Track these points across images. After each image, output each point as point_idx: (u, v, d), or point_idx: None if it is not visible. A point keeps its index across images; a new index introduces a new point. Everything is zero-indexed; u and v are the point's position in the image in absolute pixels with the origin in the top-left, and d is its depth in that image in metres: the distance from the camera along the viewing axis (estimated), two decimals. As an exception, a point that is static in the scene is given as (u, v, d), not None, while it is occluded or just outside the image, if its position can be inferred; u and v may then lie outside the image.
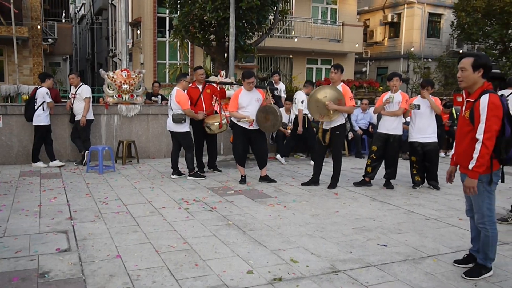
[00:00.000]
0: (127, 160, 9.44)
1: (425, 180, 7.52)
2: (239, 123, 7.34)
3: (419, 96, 7.40)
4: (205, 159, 8.58)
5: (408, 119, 7.70)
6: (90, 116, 9.02)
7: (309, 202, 6.34)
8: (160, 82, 13.38)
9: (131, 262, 4.02)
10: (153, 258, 4.13)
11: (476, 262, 3.90)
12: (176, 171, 7.98)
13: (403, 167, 8.35)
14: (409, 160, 7.55)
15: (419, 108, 7.15)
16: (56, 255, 4.18)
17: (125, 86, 9.49)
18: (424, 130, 7.21)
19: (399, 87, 7.34)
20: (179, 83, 7.80)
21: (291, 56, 23.34)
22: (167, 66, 19.90)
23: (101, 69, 10.24)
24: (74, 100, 8.95)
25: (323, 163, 7.53)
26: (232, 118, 7.56)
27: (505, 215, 5.57)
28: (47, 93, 8.59)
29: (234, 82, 10.03)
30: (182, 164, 8.22)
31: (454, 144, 3.93)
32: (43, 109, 8.55)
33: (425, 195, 6.93)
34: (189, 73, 12.54)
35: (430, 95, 7.27)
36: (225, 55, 13.21)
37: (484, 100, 3.51)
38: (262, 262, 4.06)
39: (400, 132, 7.36)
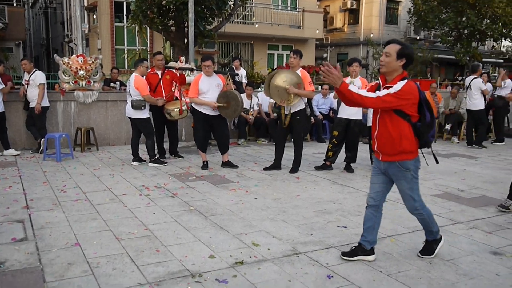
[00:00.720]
0: (85, 147, 9.23)
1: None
2: (199, 109, 7.29)
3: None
4: (166, 145, 8.49)
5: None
6: (45, 103, 8.75)
7: (271, 186, 6.39)
8: (119, 68, 13.10)
9: (90, 250, 3.95)
10: (113, 245, 4.07)
11: (426, 240, 3.98)
12: (136, 158, 7.86)
13: (363, 151, 8.51)
14: (369, 144, 7.70)
15: None
16: (11, 245, 4.06)
17: (81, 72, 9.23)
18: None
19: (358, 72, 7.46)
20: (137, 69, 7.66)
21: (252, 42, 23.30)
22: (125, 52, 19.48)
23: (55, 55, 9.92)
24: (27, 86, 8.64)
25: (284, 148, 7.59)
26: (193, 104, 7.49)
27: (505, 203, 5.40)
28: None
29: (194, 68, 9.92)
30: (143, 151, 8.11)
31: (375, 135, 3.74)
32: (-5, 96, 8.23)
33: (383, 178, 7.09)
34: (148, 59, 12.33)
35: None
36: (185, 40, 13.03)
37: (399, 85, 3.48)
38: (224, 247, 4.08)
39: (360, 117, 7.49)
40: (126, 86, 8.70)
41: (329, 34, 29.23)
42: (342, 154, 7.71)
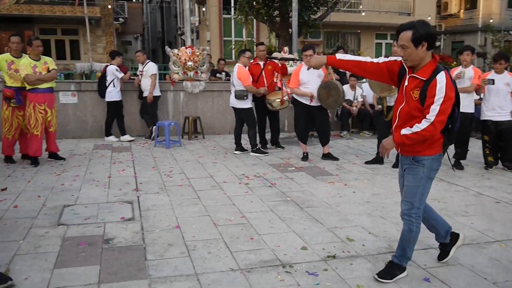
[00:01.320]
0: (193, 135, 9.67)
1: (499, 161, 7.11)
2: (300, 100, 7.28)
3: (493, 71, 6.95)
4: (268, 135, 8.61)
5: (482, 95, 7.27)
6: (157, 92, 9.30)
7: (371, 180, 6.21)
8: (226, 59, 13.50)
9: (189, 233, 4.15)
10: (210, 230, 4.24)
11: (390, 260, 3.38)
12: (239, 147, 8.08)
13: (476, 147, 7.93)
14: (482, 139, 7.16)
15: (493, 83, 6.72)
16: (120, 224, 4.40)
17: (189, 63, 9.67)
18: (499, 108, 6.78)
19: (470, 61, 6.93)
20: (240, 60, 7.84)
21: (358, 31, 22.69)
22: (233, 43, 20.02)
23: (166, 47, 10.49)
24: (141, 77, 9.26)
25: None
26: (294, 95, 7.50)
27: None
28: (116, 69, 8.93)
29: (297, 58, 9.91)
30: (246, 140, 8.30)
31: (394, 127, 3.27)
32: (114, 86, 8.92)
33: (498, 177, 6.55)
34: (253, 50, 12.54)
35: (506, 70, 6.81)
36: (290, 31, 13.06)
37: (442, 79, 2.97)
38: (317, 239, 4.05)
39: (471, 110, 6.98)
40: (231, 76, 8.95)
41: (442, 21, 27.50)
42: (451, 150, 7.25)
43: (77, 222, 4.44)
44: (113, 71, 8.91)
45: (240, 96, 7.72)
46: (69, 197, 5.27)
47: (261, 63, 8.11)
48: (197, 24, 21.92)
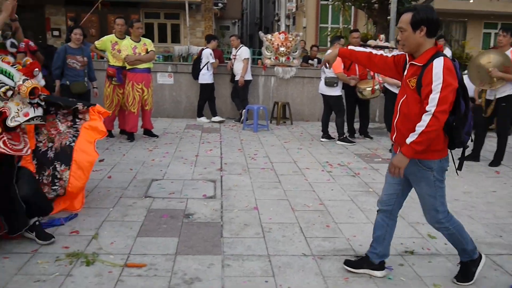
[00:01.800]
0: (281, 121, 9.72)
1: None
2: (392, 89, 7.01)
3: None
4: (357, 125, 8.42)
5: None
6: (249, 76, 9.44)
7: (463, 178, 5.83)
8: (322, 46, 13.35)
9: (266, 215, 4.20)
10: (287, 214, 4.26)
11: (461, 261, 3.17)
12: (325, 135, 7.99)
13: None
14: None
15: None
16: (202, 201, 4.57)
17: (282, 49, 9.68)
18: None
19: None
20: (333, 46, 7.71)
21: (465, 19, 21.24)
22: (329, 30, 19.72)
23: (260, 32, 10.58)
24: (234, 61, 9.45)
25: (485, 138, 6.83)
26: (385, 84, 7.23)
27: None
28: (210, 54, 9.19)
29: (394, 46, 9.51)
30: (334, 128, 8.19)
31: (395, 122, 2.97)
32: (207, 69, 9.20)
33: None
34: (348, 37, 12.24)
35: None
36: (388, 18, 12.56)
37: (438, 64, 2.67)
38: (396, 233, 3.85)
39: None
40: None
41: None
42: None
43: (162, 196, 4.68)
44: (207, 55, 9.18)
45: (330, 83, 7.61)
46: (158, 172, 5.56)
47: (354, 50, 7.90)
48: (294, 10, 21.83)
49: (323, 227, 3.99)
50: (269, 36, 9.95)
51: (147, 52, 7.20)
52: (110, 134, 7.56)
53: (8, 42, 3.32)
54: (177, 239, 3.64)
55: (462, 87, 2.74)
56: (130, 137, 7.34)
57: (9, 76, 3.12)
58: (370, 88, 7.67)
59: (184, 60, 14.38)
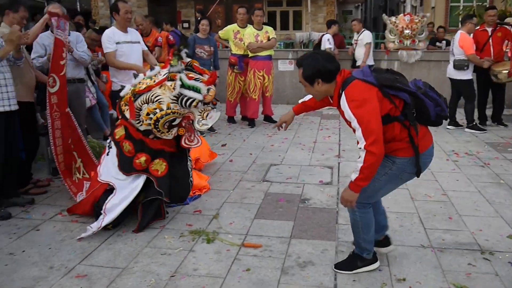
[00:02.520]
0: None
1: None
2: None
3: None
4: (490, 111, 7.76)
5: None
6: (370, 61, 9.17)
7: None
8: (452, 27, 12.47)
9: (383, 204, 4.07)
10: (406, 204, 4.11)
11: (352, 251, 3.06)
12: (453, 122, 7.50)
13: None
14: None
15: None
16: (318, 186, 4.59)
17: (406, 32, 9.23)
18: None
19: None
20: (463, 26, 7.17)
21: None
22: (460, 8, 18.30)
23: (384, 14, 10.20)
24: (356, 46, 9.23)
25: None
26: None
27: None
28: (328, 39, 9.08)
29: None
30: (462, 115, 7.65)
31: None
32: (327, 54, 9.10)
33: None
34: (480, 16, 11.26)
35: None
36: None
37: (343, 103, 2.60)
38: None
39: None
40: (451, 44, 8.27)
41: None
42: None
43: (280, 180, 4.79)
44: (325, 40, 9.09)
45: (459, 66, 7.10)
46: (276, 157, 5.69)
47: (489, 29, 7.26)
48: (422, -10, 20.61)
49: (445, 218, 3.78)
50: (393, 18, 9.54)
51: (268, 39, 7.35)
52: (232, 120, 7.89)
53: (183, 53, 3.63)
54: (292, 223, 3.72)
55: (393, 83, 2.63)
56: (251, 123, 7.58)
57: (197, 91, 3.38)
58: (507, 71, 6.99)
59: (305, 47, 14.41)
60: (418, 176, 2.82)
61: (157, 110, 3.40)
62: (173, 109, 3.40)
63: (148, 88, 3.43)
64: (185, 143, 3.57)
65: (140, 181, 3.61)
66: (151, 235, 3.53)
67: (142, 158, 3.55)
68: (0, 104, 3.81)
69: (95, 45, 6.72)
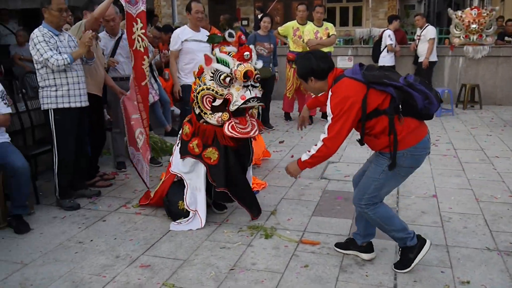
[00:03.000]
0: (468, 104, 8.97)
1: None
2: None
3: None
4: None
5: None
6: (434, 57, 8.88)
7: None
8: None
9: (446, 204, 3.98)
10: (470, 205, 3.97)
11: (400, 247, 3.01)
12: (522, 121, 7.15)
13: None
14: None
15: None
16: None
17: (473, 26, 8.86)
18: None
19: None
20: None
21: None
22: (533, 2, 17.29)
23: (449, 9, 9.84)
24: (418, 41, 8.97)
25: None
26: None
27: None
28: (389, 35, 8.86)
29: None
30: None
31: None
32: (387, 51, 8.90)
33: None
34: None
35: None
36: None
37: (329, 98, 2.75)
38: None
39: None
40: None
41: None
42: None
43: (337, 178, 4.76)
44: (385, 36, 8.88)
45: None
46: (334, 155, 5.63)
47: None
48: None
49: (511, 221, 3.62)
50: (459, 12, 9.19)
51: (328, 36, 7.29)
52: (289, 117, 7.90)
53: (226, 33, 3.67)
54: (350, 221, 3.69)
55: (382, 79, 2.67)
56: (310, 120, 7.56)
57: (225, 64, 3.38)
58: None
59: (365, 43, 14.16)
60: (390, 170, 2.77)
61: (197, 86, 3.47)
62: (209, 85, 3.42)
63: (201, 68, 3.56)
64: (227, 130, 3.41)
65: (201, 170, 3.62)
66: (210, 229, 3.62)
67: (195, 142, 3.57)
68: (73, 100, 4.03)
69: (157, 42, 6.95)
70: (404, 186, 4.44)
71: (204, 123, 3.54)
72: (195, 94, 3.50)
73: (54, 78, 3.94)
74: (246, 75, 3.35)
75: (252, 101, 3.41)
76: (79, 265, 3.12)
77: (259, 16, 7.88)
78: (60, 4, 3.96)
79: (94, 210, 4.08)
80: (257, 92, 3.47)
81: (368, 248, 3.13)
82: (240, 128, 3.45)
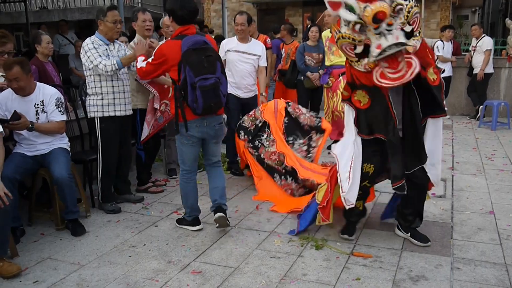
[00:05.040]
0: (526, 118, 8.60)
1: None
2: None
3: None
4: None
5: None
6: (490, 69, 8.59)
7: None
8: None
9: (504, 221, 3.82)
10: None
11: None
12: None
13: None
14: None
15: None
16: (431, 200, 4.38)
17: (533, 36, 8.52)
18: None
19: None
20: None
21: None
22: None
23: (507, 19, 9.51)
24: (474, 52, 8.71)
25: None
26: None
27: None
28: (437, 46, 8.63)
29: None
30: None
31: None
32: (439, 62, 8.68)
33: None
34: None
35: None
36: None
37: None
38: None
39: None
40: None
41: None
42: None
43: (390, 191, 4.62)
44: (435, 47, 8.67)
45: None
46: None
47: None
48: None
49: None
50: (516, 23, 8.87)
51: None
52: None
53: None
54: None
55: (187, 62, 3.31)
56: None
57: (351, 10, 2.85)
58: None
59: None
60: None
61: (335, 33, 3.06)
62: (344, 33, 2.96)
63: None
64: (376, 79, 2.96)
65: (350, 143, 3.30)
66: (260, 238, 3.63)
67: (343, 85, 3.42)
68: (118, 109, 4.18)
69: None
70: (459, 201, 4.32)
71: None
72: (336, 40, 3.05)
73: (101, 87, 4.10)
74: (376, 19, 2.77)
75: (390, 49, 2.81)
76: (133, 269, 3.20)
77: (308, 26, 7.87)
78: (115, 16, 4.13)
79: (147, 216, 4.18)
80: (398, 35, 2.82)
81: (195, 222, 3.86)
82: (390, 73, 2.90)
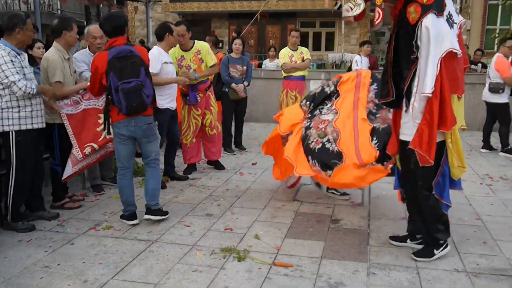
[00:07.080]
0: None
1: None
2: None
3: None
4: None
5: None
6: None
7: None
8: (487, 50, 12.26)
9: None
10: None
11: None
12: (486, 145, 7.36)
13: None
14: None
15: None
16: (350, 208, 4.57)
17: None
18: None
19: None
20: (500, 49, 7.08)
21: None
22: (496, 32, 18.02)
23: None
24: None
25: None
26: None
27: None
28: (356, 61, 9.05)
29: None
30: (496, 139, 7.50)
31: None
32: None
33: None
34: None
35: None
36: None
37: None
38: None
39: None
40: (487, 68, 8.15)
41: None
42: None
43: (310, 200, 4.78)
44: (353, 62, 9.08)
45: (495, 89, 7.00)
46: (307, 177, 5.66)
47: (525, 52, 7.15)
48: (457, 12, 20.40)
49: (479, 243, 3.70)
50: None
51: (303, 60, 7.39)
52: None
53: None
54: (323, 243, 3.70)
55: (111, 69, 3.72)
56: None
57: None
58: (544, 94, 6.83)
59: (337, 68, 14.47)
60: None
61: None
62: None
63: None
64: None
65: None
66: (182, 252, 3.57)
67: None
68: (35, 121, 3.98)
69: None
70: (375, 208, 4.50)
71: None
72: None
73: (17, 100, 3.87)
74: None
75: None
76: (45, 290, 3.02)
77: (233, 39, 7.93)
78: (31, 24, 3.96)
79: (62, 233, 3.98)
80: None
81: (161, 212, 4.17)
82: None
